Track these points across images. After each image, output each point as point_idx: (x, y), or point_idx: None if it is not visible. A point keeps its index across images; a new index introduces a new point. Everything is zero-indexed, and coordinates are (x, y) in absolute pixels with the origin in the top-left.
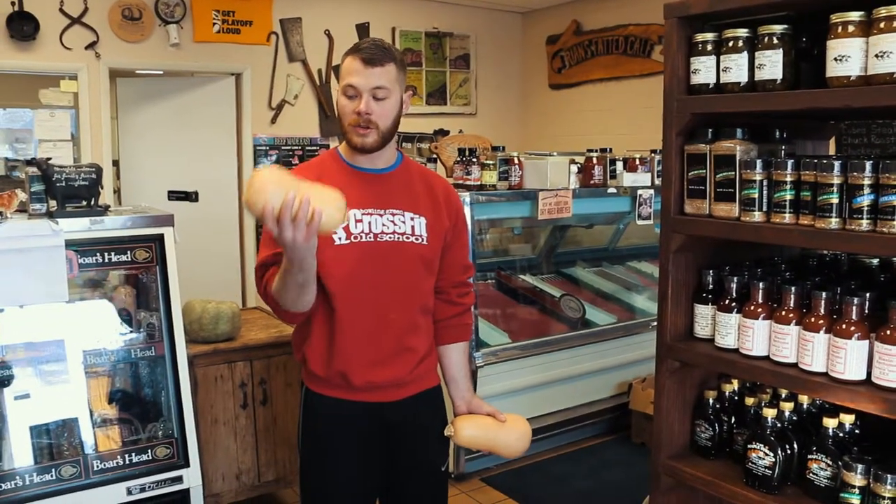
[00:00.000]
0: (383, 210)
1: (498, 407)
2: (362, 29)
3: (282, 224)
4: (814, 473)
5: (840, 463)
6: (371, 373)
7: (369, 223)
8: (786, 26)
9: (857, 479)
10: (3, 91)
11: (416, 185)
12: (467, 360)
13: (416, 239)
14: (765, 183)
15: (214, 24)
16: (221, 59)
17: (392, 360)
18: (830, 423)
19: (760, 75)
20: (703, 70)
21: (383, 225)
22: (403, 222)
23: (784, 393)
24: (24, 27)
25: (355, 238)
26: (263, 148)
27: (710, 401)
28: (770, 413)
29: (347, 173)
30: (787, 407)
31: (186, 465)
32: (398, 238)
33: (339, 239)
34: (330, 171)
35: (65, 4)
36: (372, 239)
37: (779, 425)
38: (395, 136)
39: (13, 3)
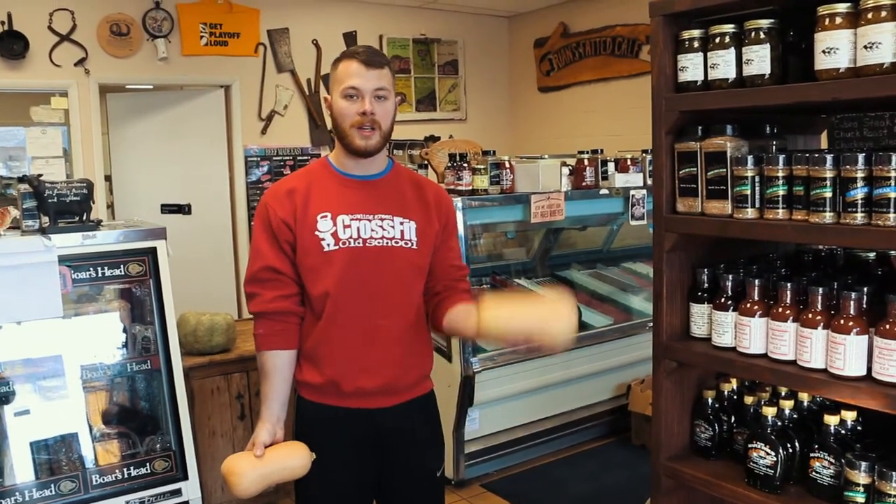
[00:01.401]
0: (372, 215)
1: (497, 411)
2: (350, 37)
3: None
4: (817, 472)
5: (843, 461)
6: (361, 379)
7: (357, 228)
8: (772, 20)
9: (861, 477)
10: None
11: (407, 189)
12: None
13: (406, 243)
14: (757, 179)
15: (202, 37)
16: (210, 72)
17: (383, 367)
18: (832, 420)
19: (748, 70)
20: (691, 67)
21: (372, 230)
22: (392, 227)
23: (784, 391)
24: (13, 46)
25: (343, 243)
26: (255, 159)
27: (709, 400)
28: (770, 411)
29: (337, 181)
30: (788, 405)
31: (185, 477)
32: (387, 243)
33: (328, 245)
34: (320, 180)
35: (53, 22)
36: (360, 244)
37: (779, 424)
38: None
39: (2, 23)
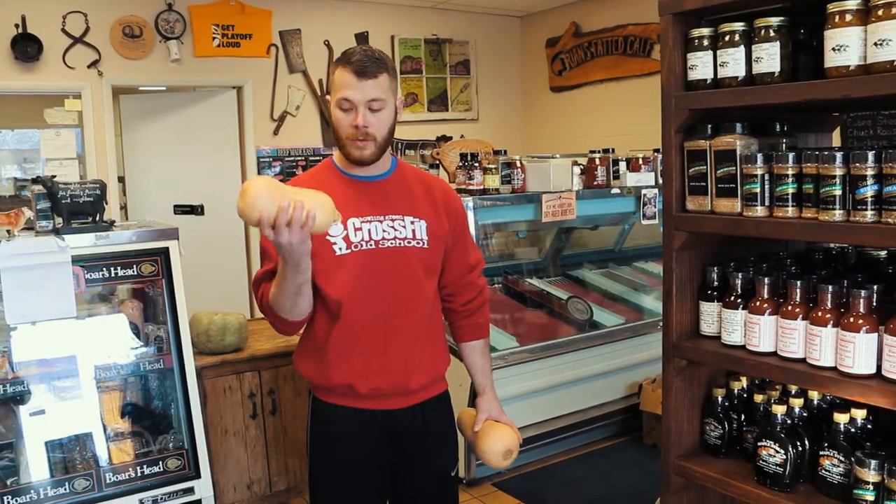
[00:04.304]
0: (383, 216)
1: (509, 410)
2: (361, 38)
3: (278, 230)
4: (826, 470)
5: (853, 459)
6: (377, 380)
7: (369, 230)
8: (782, 18)
9: (870, 475)
10: (10, 112)
11: (415, 188)
12: (486, 359)
13: (418, 243)
14: (766, 177)
15: (214, 38)
16: (222, 73)
17: (398, 367)
18: (841, 418)
19: (758, 69)
20: (701, 66)
21: (384, 231)
22: (404, 227)
23: (794, 389)
24: (27, 48)
25: (356, 246)
26: (267, 160)
27: (719, 399)
28: (780, 410)
29: (344, 182)
30: (797, 403)
31: (198, 476)
32: (399, 243)
33: (340, 249)
34: (326, 181)
35: (67, 24)
36: (373, 246)
37: (789, 422)
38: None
39: (17, 26)
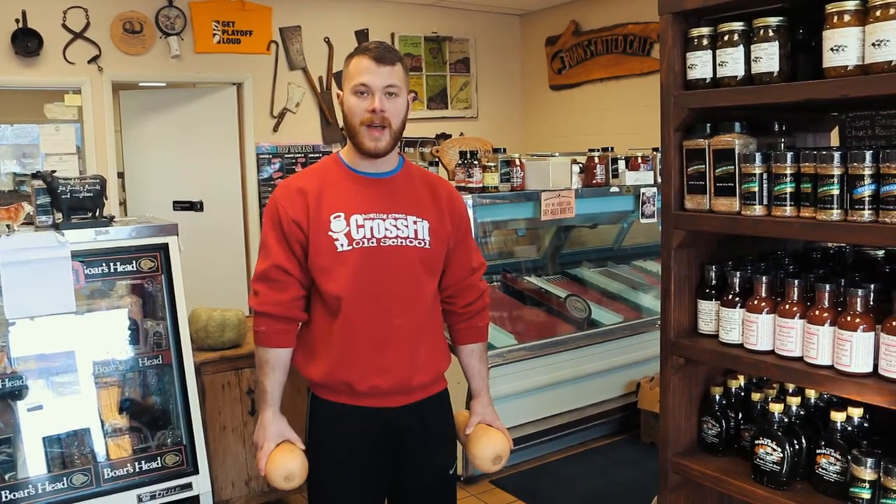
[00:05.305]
0: (386, 214)
1: (507, 407)
2: (361, 35)
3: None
4: (823, 468)
5: (849, 457)
6: (376, 379)
7: (371, 228)
8: (781, 18)
9: (866, 473)
10: (9, 107)
11: (420, 188)
12: (483, 363)
13: (419, 243)
14: (765, 176)
15: (215, 34)
16: (222, 70)
17: (397, 366)
18: (838, 416)
19: (757, 68)
20: (700, 65)
21: (386, 229)
22: (406, 226)
23: (791, 387)
24: (27, 43)
25: (357, 243)
26: (266, 156)
27: (717, 397)
28: (777, 408)
29: (350, 179)
30: (794, 401)
31: (196, 471)
32: (401, 242)
33: (342, 245)
34: (332, 178)
35: (67, 20)
36: (374, 244)
37: (786, 420)
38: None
39: (17, 20)
